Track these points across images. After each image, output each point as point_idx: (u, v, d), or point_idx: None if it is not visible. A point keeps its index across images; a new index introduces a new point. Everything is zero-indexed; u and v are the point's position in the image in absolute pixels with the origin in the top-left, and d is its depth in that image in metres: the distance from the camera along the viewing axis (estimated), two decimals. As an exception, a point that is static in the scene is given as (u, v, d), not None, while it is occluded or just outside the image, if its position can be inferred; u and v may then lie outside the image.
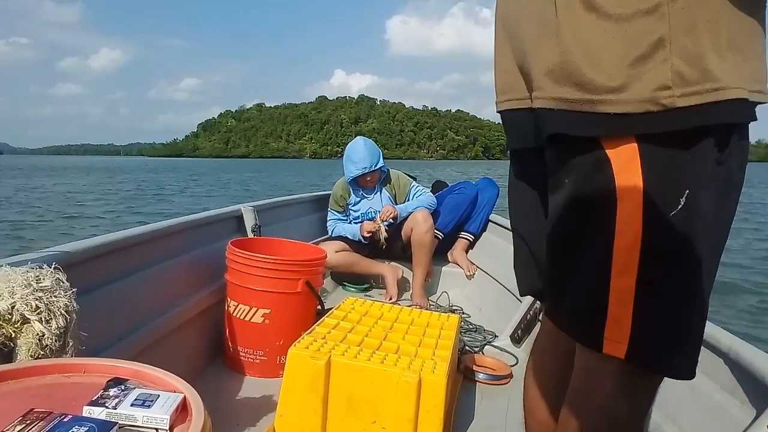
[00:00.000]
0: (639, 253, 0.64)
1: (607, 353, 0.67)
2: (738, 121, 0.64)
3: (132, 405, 0.67)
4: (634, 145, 0.64)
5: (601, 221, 0.66)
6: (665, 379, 0.71)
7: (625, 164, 0.64)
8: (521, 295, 0.94)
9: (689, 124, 0.61)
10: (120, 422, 0.65)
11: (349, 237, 2.83)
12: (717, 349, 1.05)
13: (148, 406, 0.67)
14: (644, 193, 0.63)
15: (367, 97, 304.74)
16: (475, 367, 1.82)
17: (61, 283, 0.89)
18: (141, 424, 0.65)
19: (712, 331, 1.07)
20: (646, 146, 0.64)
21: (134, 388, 0.71)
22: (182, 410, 0.69)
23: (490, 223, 3.00)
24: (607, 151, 0.65)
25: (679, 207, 0.63)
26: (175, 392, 0.72)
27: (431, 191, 3.00)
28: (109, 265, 1.39)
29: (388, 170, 2.92)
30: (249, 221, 2.31)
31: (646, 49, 0.62)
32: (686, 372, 0.67)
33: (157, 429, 0.65)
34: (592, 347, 0.69)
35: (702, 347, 0.96)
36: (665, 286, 0.65)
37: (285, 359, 1.30)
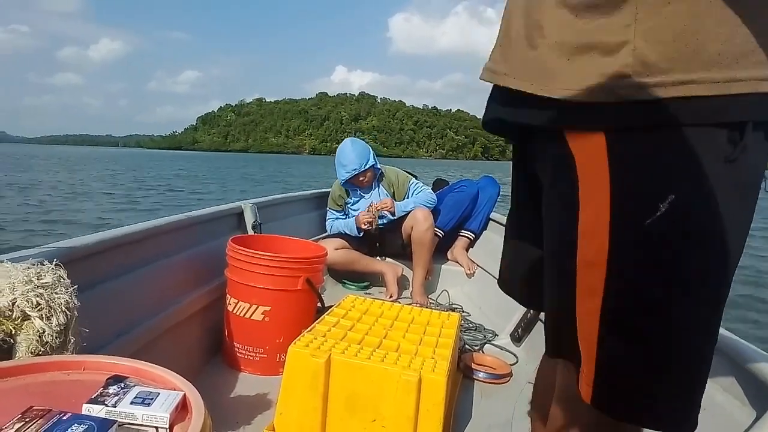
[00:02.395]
0: (605, 271, 0.54)
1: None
2: (708, 122, 0.52)
3: (132, 403, 0.66)
4: (602, 141, 0.54)
5: (565, 230, 0.57)
6: None
7: (590, 162, 0.55)
8: (523, 305, 0.88)
9: (647, 121, 0.52)
10: (119, 420, 0.64)
11: (346, 232, 2.82)
12: (717, 350, 1.04)
13: (148, 404, 0.66)
14: (612, 199, 0.53)
15: (367, 94, 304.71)
16: (475, 366, 1.81)
17: (62, 280, 0.88)
18: (141, 423, 0.65)
19: None
20: (617, 142, 0.53)
21: (134, 386, 0.71)
22: (182, 408, 0.69)
23: (490, 221, 3.00)
24: (570, 145, 0.56)
25: (658, 214, 0.51)
26: (175, 390, 0.72)
27: (432, 189, 3.00)
28: (110, 262, 1.39)
29: (380, 168, 2.90)
30: (249, 218, 2.31)
31: (605, 27, 0.52)
32: (673, 424, 0.57)
33: (156, 427, 0.65)
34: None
35: None
36: (638, 315, 0.54)
37: (285, 357, 1.30)
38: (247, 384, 1.67)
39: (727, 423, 0.97)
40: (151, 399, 0.68)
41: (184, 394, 0.71)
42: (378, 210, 2.71)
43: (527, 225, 0.77)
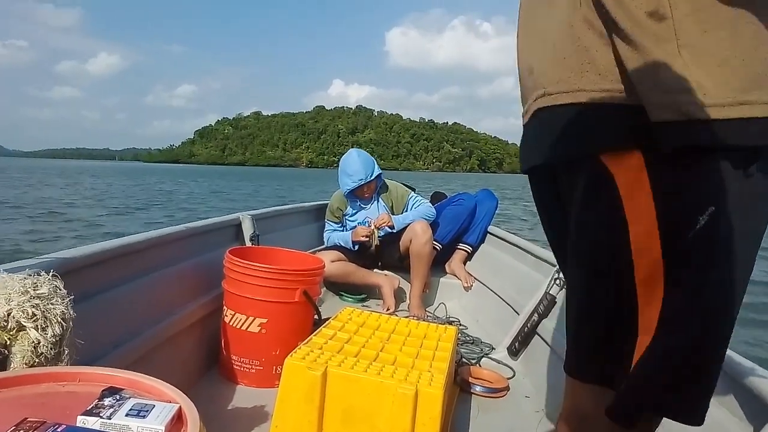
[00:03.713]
0: (663, 281, 0.57)
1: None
2: (728, 143, 0.54)
3: (127, 415, 0.66)
4: (640, 159, 0.57)
5: (615, 249, 0.59)
6: None
7: (631, 181, 0.57)
8: None
9: (678, 141, 0.54)
10: (114, 432, 0.64)
11: (341, 244, 2.83)
12: None
13: (143, 417, 0.66)
14: (657, 213, 0.56)
15: (364, 107, 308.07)
16: (471, 380, 1.81)
17: (59, 291, 0.88)
18: (135, 435, 0.65)
19: None
20: (655, 159, 0.56)
21: (129, 398, 0.70)
22: (177, 421, 0.69)
23: (488, 234, 3.00)
24: (608, 165, 0.59)
25: (699, 226, 0.55)
26: (170, 402, 0.71)
27: (430, 202, 3.00)
28: (106, 273, 1.38)
29: (383, 179, 2.92)
30: (247, 230, 2.31)
31: (649, 50, 0.55)
32: (693, 415, 0.62)
33: (151, 440, 0.65)
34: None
35: None
36: (694, 323, 0.58)
37: (281, 369, 1.29)
38: (243, 396, 1.66)
39: (724, 438, 0.97)
40: (147, 411, 0.67)
41: (180, 407, 0.70)
42: (377, 227, 2.72)
43: None
